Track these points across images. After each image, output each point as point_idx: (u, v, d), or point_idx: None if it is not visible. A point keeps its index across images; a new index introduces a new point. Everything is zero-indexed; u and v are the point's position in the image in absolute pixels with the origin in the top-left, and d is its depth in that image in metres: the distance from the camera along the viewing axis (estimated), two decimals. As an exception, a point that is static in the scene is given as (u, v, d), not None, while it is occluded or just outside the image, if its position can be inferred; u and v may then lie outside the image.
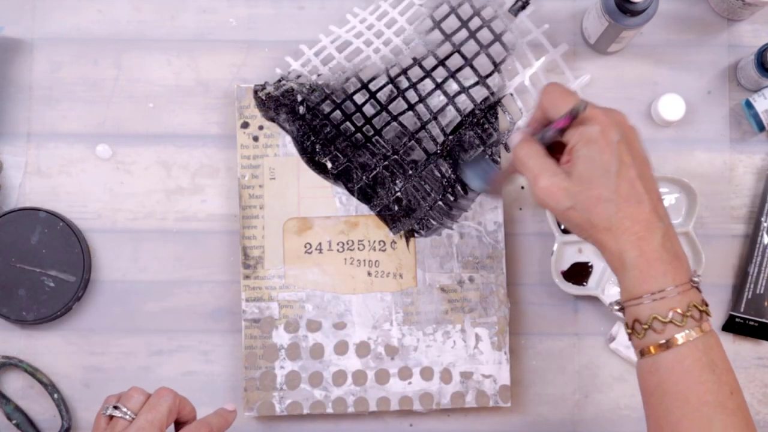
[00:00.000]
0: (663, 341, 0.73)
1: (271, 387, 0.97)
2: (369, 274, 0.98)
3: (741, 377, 0.99)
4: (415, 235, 0.98)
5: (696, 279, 0.75)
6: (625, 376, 1.00)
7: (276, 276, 0.98)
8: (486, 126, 0.99)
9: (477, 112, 0.98)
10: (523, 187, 1.01)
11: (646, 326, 0.73)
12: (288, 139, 0.98)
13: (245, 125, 0.99)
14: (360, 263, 0.98)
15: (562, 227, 0.99)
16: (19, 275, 0.97)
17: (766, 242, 0.99)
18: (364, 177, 0.98)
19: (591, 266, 1.00)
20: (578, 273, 0.99)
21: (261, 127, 0.98)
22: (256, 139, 0.98)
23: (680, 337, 0.72)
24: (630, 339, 0.75)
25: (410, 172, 0.98)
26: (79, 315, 1.00)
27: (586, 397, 1.00)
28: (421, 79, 0.99)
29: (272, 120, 0.98)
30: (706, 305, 0.74)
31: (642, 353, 0.74)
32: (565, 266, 0.99)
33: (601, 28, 0.96)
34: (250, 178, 0.98)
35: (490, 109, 0.99)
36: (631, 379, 1.00)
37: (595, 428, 1.00)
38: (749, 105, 0.99)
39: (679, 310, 0.72)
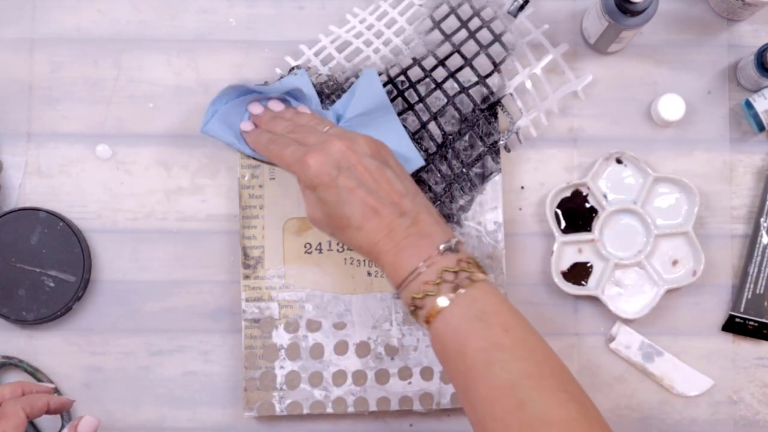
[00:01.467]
0: (430, 312, 0.79)
1: (271, 387, 0.97)
2: (369, 274, 0.98)
3: (741, 377, 0.99)
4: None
5: (447, 244, 0.81)
6: (625, 376, 1.00)
7: (276, 276, 0.98)
8: (486, 126, 0.98)
9: (477, 111, 0.98)
10: (522, 187, 1.01)
11: (412, 307, 0.80)
12: (288, 139, 0.98)
13: (245, 125, 0.99)
14: (360, 263, 0.98)
15: (563, 227, 0.99)
16: (19, 275, 0.97)
17: (766, 242, 0.99)
18: (364, 177, 0.98)
19: (591, 266, 1.00)
20: (578, 273, 0.99)
21: (261, 127, 0.98)
22: (256, 139, 0.98)
23: (440, 302, 0.78)
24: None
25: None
26: (79, 315, 1.00)
27: (586, 397, 1.00)
28: (421, 79, 0.99)
29: (272, 120, 0.98)
30: (469, 262, 0.80)
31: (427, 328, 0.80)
32: (565, 266, 0.99)
33: (601, 28, 0.96)
34: (250, 178, 0.98)
35: (489, 109, 0.99)
36: (631, 379, 1.00)
37: (595, 428, 1.00)
38: (749, 105, 0.99)
39: (429, 281, 0.79)
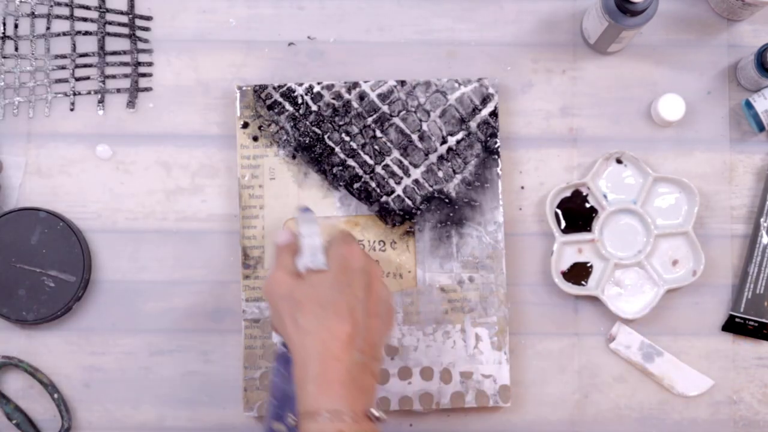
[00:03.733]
0: None
1: (271, 387, 0.97)
2: (369, 274, 0.98)
3: (741, 377, 0.99)
4: (415, 234, 0.98)
5: (377, 414, 0.74)
6: (625, 376, 1.00)
7: (276, 276, 0.97)
8: (486, 126, 0.98)
9: (476, 112, 0.98)
10: (522, 187, 1.01)
11: None
12: (288, 139, 0.98)
13: (245, 125, 0.99)
14: (360, 263, 0.98)
15: (563, 227, 0.99)
16: (19, 275, 0.97)
17: (765, 242, 0.99)
18: (364, 176, 0.98)
19: (591, 266, 1.00)
20: (578, 273, 0.99)
21: (261, 127, 0.98)
22: (256, 139, 0.98)
23: None
24: None
25: (411, 171, 0.98)
26: (79, 315, 1.00)
27: (586, 397, 1.00)
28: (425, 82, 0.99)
29: (272, 120, 0.98)
30: None
31: None
32: (565, 266, 0.99)
33: (601, 28, 0.96)
34: (250, 178, 0.98)
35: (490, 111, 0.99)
36: (631, 379, 1.00)
37: (595, 428, 1.00)
38: (749, 105, 0.99)
39: None
